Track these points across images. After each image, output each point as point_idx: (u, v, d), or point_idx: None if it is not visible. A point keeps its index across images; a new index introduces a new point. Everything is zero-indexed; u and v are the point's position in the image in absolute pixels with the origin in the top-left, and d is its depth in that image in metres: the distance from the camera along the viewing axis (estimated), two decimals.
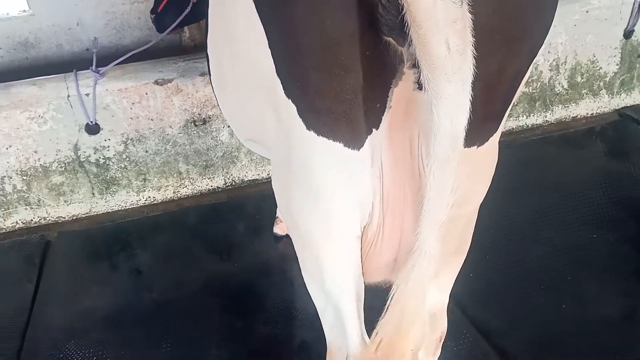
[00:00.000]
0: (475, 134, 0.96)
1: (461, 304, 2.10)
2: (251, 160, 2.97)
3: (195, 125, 2.73)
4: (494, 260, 2.35)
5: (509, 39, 0.87)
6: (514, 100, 1.08)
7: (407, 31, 0.76)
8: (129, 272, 2.49)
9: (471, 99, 0.82)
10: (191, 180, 2.90)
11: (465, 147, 0.96)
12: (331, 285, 1.17)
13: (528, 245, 2.42)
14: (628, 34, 3.22)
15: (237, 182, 2.99)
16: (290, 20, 0.85)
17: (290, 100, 0.94)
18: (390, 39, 0.82)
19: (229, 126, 2.81)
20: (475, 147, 1.01)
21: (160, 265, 2.50)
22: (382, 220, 1.07)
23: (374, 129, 0.95)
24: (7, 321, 2.19)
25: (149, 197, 2.87)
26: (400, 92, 0.92)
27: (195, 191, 2.94)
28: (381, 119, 0.95)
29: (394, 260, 1.18)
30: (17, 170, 2.60)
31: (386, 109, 0.94)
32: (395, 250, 1.15)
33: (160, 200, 2.89)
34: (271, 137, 1.13)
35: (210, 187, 2.96)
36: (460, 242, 1.24)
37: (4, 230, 2.72)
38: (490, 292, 2.20)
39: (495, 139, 1.06)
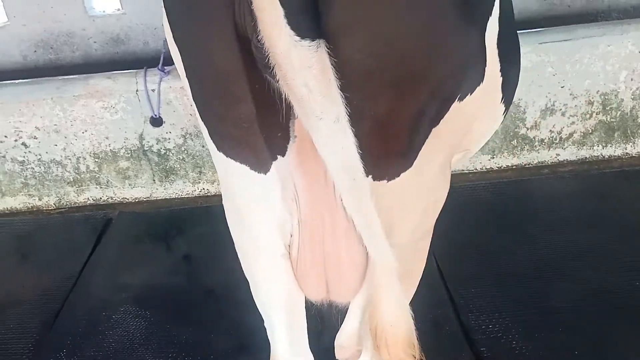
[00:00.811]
0: (380, 170, 0.96)
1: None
2: None
3: None
4: (521, 291, 2.24)
5: (395, 81, 0.86)
6: (453, 137, 1.05)
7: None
8: (178, 256, 2.68)
9: (356, 136, 0.83)
10: None
11: (374, 181, 0.98)
12: (262, 297, 1.22)
13: (560, 282, 2.26)
14: None
15: None
16: (189, 53, 0.92)
17: (202, 123, 1.00)
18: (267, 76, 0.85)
19: None
20: (385, 181, 1.00)
21: (208, 253, 2.66)
22: (301, 242, 1.10)
23: (279, 156, 0.98)
24: (56, 285, 2.48)
25: (204, 188, 3.07)
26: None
27: None
28: (287, 147, 0.98)
29: (324, 281, 1.20)
30: (90, 153, 2.92)
31: (291, 138, 0.97)
32: (320, 272, 1.17)
33: (213, 193, 3.07)
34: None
35: None
36: (405, 269, 1.22)
37: (77, 204, 3.07)
38: (504, 323, 2.10)
39: (415, 175, 1.03)
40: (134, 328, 2.27)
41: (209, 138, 1.01)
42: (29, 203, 3.08)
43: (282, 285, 1.17)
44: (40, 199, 3.07)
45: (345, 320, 1.31)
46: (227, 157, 0.99)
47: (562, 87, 2.90)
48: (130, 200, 3.07)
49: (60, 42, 3.15)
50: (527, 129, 3.08)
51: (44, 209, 3.08)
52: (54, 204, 3.08)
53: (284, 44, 0.73)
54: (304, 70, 0.75)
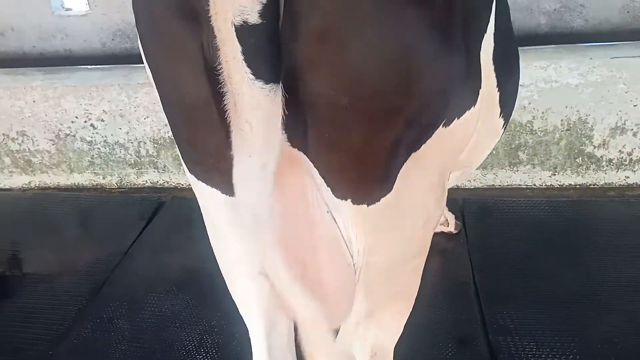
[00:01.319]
0: (358, 195, 0.96)
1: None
2: None
3: None
4: (560, 318, 2.11)
5: (369, 115, 0.84)
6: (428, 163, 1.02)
7: None
8: None
9: (321, 164, 0.88)
10: None
11: (353, 205, 0.97)
12: (242, 312, 1.24)
13: (606, 314, 2.10)
14: None
15: None
16: (159, 82, 0.94)
17: (177, 148, 1.02)
18: None
19: None
20: (365, 205, 0.99)
21: None
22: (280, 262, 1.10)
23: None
24: (102, 262, 2.63)
25: None
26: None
27: None
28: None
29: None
30: (150, 138, 3.08)
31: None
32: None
33: None
34: None
35: None
36: (396, 288, 1.20)
37: (136, 186, 3.24)
38: (536, 350, 1.99)
39: (398, 198, 1.00)
40: (168, 306, 2.37)
41: (183, 163, 1.02)
42: (94, 181, 3.30)
43: (258, 302, 1.18)
44: (104, 178, 3.28)
45: (338, 336, 1.26)
46: (198, 180, 1.00)
47: (634, 105, 2.69)
48: (183, 185, 3.20)
49: (135, 33, 3.33)
50: (594, 147, 2.89)
51: (107, 187, 3.28)
52: (115, 183, 3.27)
53: (238, 80, 0.74)
54: (252, 109, 0.75)
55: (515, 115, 2.82)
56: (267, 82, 0.75)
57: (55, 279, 2.58)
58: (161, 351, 2.15)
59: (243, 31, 0.72)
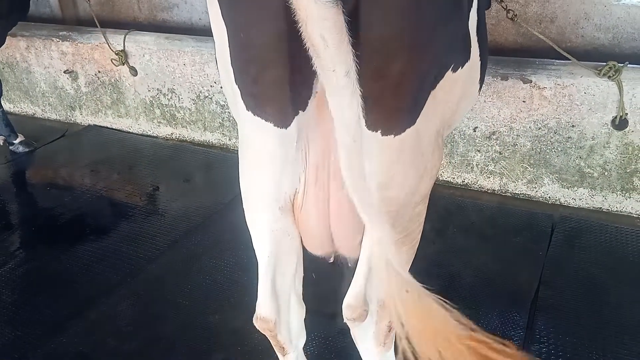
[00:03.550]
0: (387, 124, 1.10)
1: None
2: (450, 162, 3.07)
3: None
4: (608, 345, 1.98)
5: (408, 47, 1.02)
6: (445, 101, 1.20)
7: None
8: None
9: (365, 92, 0.96)
10: None
11: (383, 136, 1.11)
12: (256, 245, 1.37)
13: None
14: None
15: None
16: (234, 23, 1.10)
17: (237, 86, 1.16)
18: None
19: None
20: (392, 135, 1.12)
21: None
22: (307, 189, 1.25)
23: (300, 111, 1.12)
24: (203, 211, 3.01)
25: None
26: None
27: None
28: (308, 103, 1.12)
29: (328, 233, 1.32)
30: None
31: (312, 95, 1.11)
32: (324, 222, 1.29)
33: None
34: (235, 112, 1.33)
35: None
36: (402, 228, 1.29)
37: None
38: None
39: (417, 133, 1.14)
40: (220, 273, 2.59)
41: (240, 99, 1.17)
42: (221, 140, 3.74)
43: (279, 235, 1.32)
44: (230, 139, 3.70)
45: (353, 279, 1.37)
46: (254, 115, 1.15)
47: None
48: None
49: None
50: None
51: (231, 147, 3.70)
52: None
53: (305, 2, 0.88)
54: (320, 21, 0.89)
55: (634, 137, 2.61)
56: None
57: (175, 212, 3.05)
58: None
59: None
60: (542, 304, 2.20)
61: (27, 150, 3.79)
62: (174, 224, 2.94)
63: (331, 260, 1.75)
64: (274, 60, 1.05)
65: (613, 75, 2.50)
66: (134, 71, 3.76)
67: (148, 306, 2.38)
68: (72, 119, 4.27)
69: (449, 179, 3.12)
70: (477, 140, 2.98)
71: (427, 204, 1.34)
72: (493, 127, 2.91)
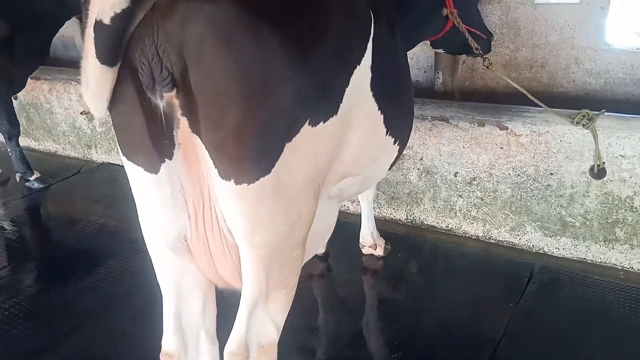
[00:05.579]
0: (236, 173, 1.17)
1: None
2: (433, 207, 3.06)
3: None
4: None
5: (240, 100, 1.12)
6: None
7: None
8: None
9: (208, 142, 1.14)
10: (378, 205, 3.22)
11: (236, 185, 1.18)
12: (159, 280, 1.43)
13: None
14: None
15: (417, 222, 3.12)
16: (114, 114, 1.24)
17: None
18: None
19: (418, 168, 3.01)
20: (246, 184, 1.19)
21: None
22: (190, 234, 1.32)
23: (167, 159, 1.21)
24: None
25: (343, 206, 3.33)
26: (183, 133, 1.19)
27: (380, 216, 3.23)
28: (173, 152, 1.21)
29: (216, 272, 1.38)
30: None
31: (175, 145, 1.20)
32: (208, 263, 1.36)
33: (352, 212, 3.30)
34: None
35: (394, 217, 3.20)
36: (278, 272, 1.34)
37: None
38: None
39: (277, 182, 1.21)
40: None
41: (118, 146, 1.30)
42: None
43: (180, 271, 1.39)
44: None
45: (234, 325, 1.39)
46: (128, 160, 1.26)
47: None
48: None
49: None
50: None
51: None
52: None
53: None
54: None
55: (613, 187, 2.55)
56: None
57: None
58: None
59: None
60: (502, 356, 2.14)
61: (42, 186, 4.02)
62: None
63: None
64: (130, 113, 1.19)
65: (587, 123, 2.45)
66: None
67: None
68: (89, 157, 4.52)
69: (433, 224, 3.10)
70: (458, 186, 2.96)
71: (305, 249, 1.37)
72: (473, 172, 2.89)
